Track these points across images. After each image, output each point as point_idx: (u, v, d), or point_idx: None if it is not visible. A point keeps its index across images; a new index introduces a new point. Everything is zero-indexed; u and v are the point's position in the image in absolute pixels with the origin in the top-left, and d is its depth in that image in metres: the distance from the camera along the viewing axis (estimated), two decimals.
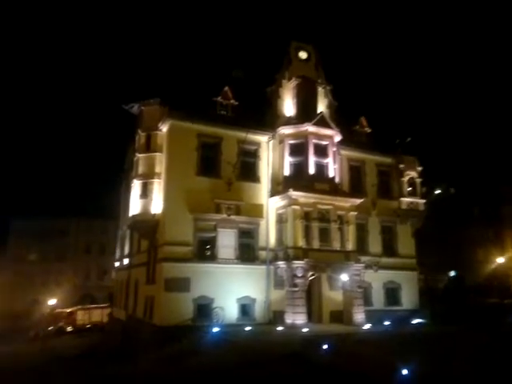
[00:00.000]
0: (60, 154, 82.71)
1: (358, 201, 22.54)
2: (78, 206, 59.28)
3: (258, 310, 21.17)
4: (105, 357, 21.40)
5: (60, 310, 44.16)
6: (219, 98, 22.37)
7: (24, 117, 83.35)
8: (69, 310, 43.26)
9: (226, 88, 22.58)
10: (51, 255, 55.28)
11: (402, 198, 25.16)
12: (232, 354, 14.60)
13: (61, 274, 54.46)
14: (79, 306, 44.13)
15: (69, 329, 40.26)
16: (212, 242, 21.37)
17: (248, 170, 22.56)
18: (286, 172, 22.39)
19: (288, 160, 22.38)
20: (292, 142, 22.43)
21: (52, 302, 48.15)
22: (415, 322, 21.26)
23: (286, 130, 22.58)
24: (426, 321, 21.40)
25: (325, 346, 13.69)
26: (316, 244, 21.09)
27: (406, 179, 25.33)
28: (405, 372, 10.03)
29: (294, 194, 21.35)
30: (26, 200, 65.39)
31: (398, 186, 25.36)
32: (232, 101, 22.55)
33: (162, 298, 19.97)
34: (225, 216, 21.51)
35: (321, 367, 11.87)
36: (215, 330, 18.49)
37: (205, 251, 21.38)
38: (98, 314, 40.66)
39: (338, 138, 23.25)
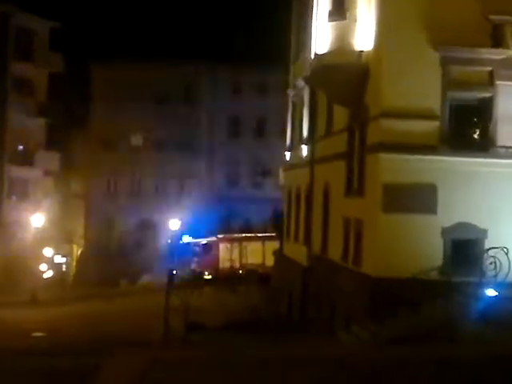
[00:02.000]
0: None
1: None
2: (207, 47, 65.45)
3: None
4: (268, 329, 24.97)
5: (189, 241, 52.06)
6: None
7: None
8: (204, 242, 50.75)
9: None
10: (166, 139, 64.02)
11: None
12: None
13: (186, 174, 63.24)
14: (222, 235, 51.24)
15: (205, 275, 47.66)
16: (484, 110, 21.73)
17: None
18: None
19: None
20: None
21: (173, 224, 56.98)
22: None
23: None
24: None
25: None
26: None
27: None
28: None
29: None
30: (116, 34, 74.27)
31: None
32: None
33: (378, 225, 21.56)
34: None
35: None
36: (489, 292, 19.23)
37: (467, 131, 22.02)
38: (257, 251, 46.58)
39: None
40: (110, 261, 55.16)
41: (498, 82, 21.47)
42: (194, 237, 53.05)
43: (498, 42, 21.37)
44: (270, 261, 42.05)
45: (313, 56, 24.84)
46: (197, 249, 49.85)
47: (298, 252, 32.15)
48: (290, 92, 36.80)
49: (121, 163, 63.28)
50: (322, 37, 23.97)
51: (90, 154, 64.38)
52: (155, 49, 62.42)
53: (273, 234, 44.06)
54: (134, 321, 31.83)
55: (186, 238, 53.46)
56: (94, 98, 64.99)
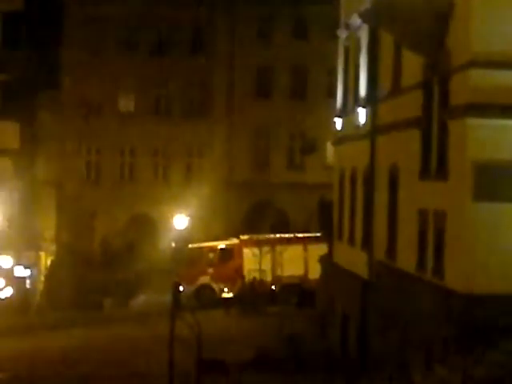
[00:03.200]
0: None
1: None
2: None
3: None
4: (314, 368, 24.95)
5: (201, 246, 52.25)
6: None
7: None
8: (222, 246, 51.06)
9: None
10: (169, 102, 64.25)
11: None
12: None
13: (196, 150, 63.45)
14: (247, 236, 51.50)
15: (225, 292, 47.92)
16: None
17: None
18: None
19: None
20: None
21: (180, 222, 57.12)
22: None
23: None
24: None
25: None
26: None
27: None
28: None
29: None
30: None
31: None
32: None
33: (467, 219, 21.49)
34: None
35: None
36: None
37: None
38: (297, 258, 47.04)
39: None
40: (92, 273, 55.37)
41: None
42: (208, 239, 53.08)
43: None
44: (315, 272, 42.14)
45: None
46: (212, 256, 49.90)
47: (354, 259, 32.26)
48: (342, 33, 36.69)
49: (105, 136, 63.53)
50: None
51: (63, 125, 64.61)
52: None
53: (318, 235, 44.00)
54: (125, 358, 31.91)
55: (198, 243, 53.47)
56: (67, 46, 65.11)
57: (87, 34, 63.00)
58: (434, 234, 23.62)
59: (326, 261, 38.47)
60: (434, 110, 24.09)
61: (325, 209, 40.44)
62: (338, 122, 37.49)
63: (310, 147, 58.91)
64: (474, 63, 21.24)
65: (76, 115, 63.74)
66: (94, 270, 56.22)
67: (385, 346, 26.22)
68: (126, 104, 65.75)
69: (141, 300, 51.94)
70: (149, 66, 62.92)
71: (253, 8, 62.74)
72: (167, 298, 36.59)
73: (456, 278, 21.82)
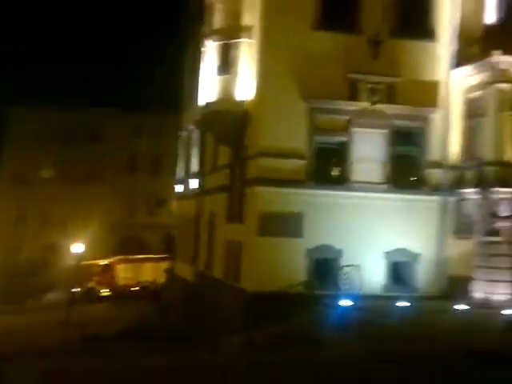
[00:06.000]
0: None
1: None
2: (113, 94, 64.52)
3: (423, 275, 22.23)
4: (159, 339, 24.67)
5: (90, 263, 51.01)
6: None
7: None
8: (103, 263, 49.86)
9: None
10: (74, 173, 62.21)
11: None
12: (377, 346, 15.23)
13: (91, 204, 61.53)
14: (120, 257, 50.43)
15: (104, 292, 46.92)
16: (342, 152, 22.37)
17: (413, 15, 22.63)
18: (490, 18, 22.04)
19: None
20: None
21: (77, 248, 55.54)
22: None
23: None
24: None
25: None
26: None
27: None
28: None
29: (503, 60, 20.91)
30: (29, 83, 71.56)
31: None
32: None
33: (254, 246, 21.98)
34: (366, 105, 22.15)
35: None
36: (345, 303, 19.85)
37: (328, 169, 22.60)
38: (150, 270, 46.06)
39: None
40: (25, 275, 53.15)
41: (353, 129, 22.34)
42: (95, 259, 51.88)
43: (354, 95, 22.28)
44: (162, 278, 41.78)
45: (202, 103, 25.13)
46: (96, 269, 48.79)
47: (186, 270, 32.09)
48: (182, 133, 36.99)
49: (32, 197, 61.44)
50: (209, 87, 24.36)
51: (8, 190, 61.91)
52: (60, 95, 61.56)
53: (165, 255, 43.82)
54: (36, 333, 30.47)
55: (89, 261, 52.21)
56: (10, 141, 62.69)
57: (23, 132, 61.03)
58: (235, 255, 23.86)
59: (169, 271, 38.41)
60: (236, 181, 24.46)
61: (170, 240, 40.66)
62: (179, 187, 37.46)
63: (161, 202, 58.78)
64: (260, 153, 21.93)
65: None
66: (20, 279, 53.53)
67: (202, 325, 26.08)
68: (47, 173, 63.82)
69: (50, 296, 49.69)
70: (63, 151, 61.63)
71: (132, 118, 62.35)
72: (67, 295, 35.40)
73: (247, 282, 22.24)
